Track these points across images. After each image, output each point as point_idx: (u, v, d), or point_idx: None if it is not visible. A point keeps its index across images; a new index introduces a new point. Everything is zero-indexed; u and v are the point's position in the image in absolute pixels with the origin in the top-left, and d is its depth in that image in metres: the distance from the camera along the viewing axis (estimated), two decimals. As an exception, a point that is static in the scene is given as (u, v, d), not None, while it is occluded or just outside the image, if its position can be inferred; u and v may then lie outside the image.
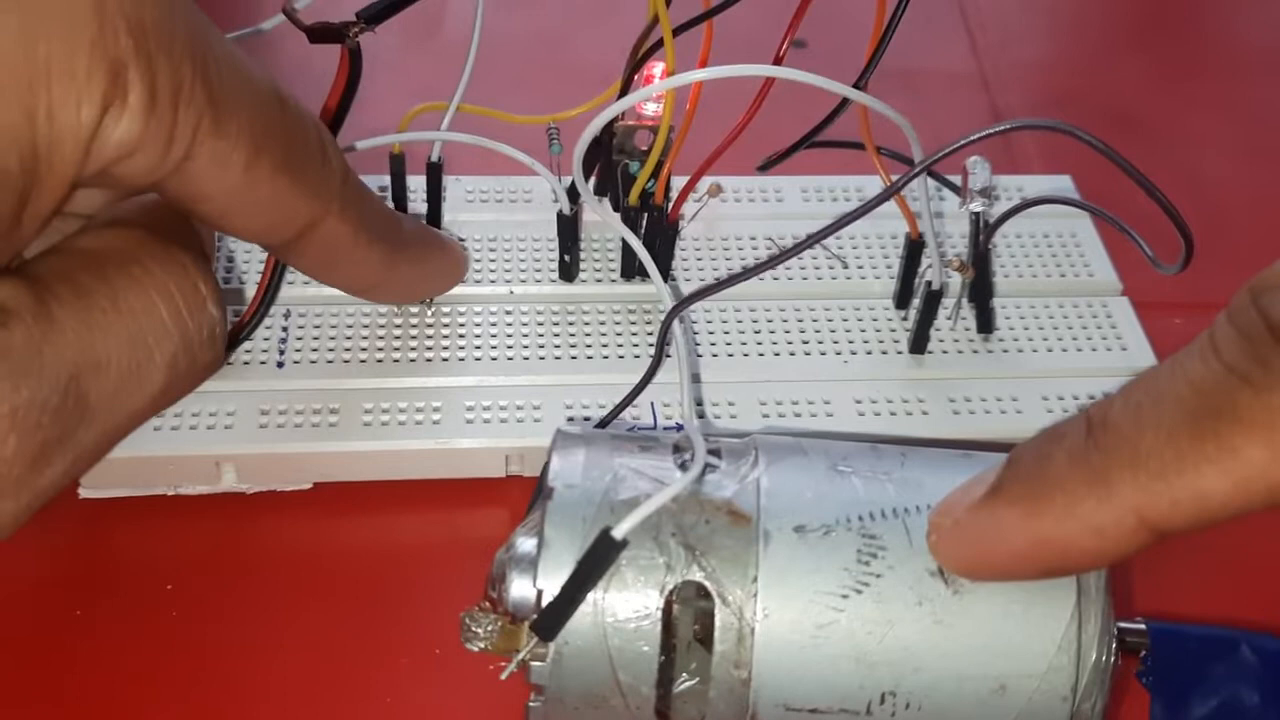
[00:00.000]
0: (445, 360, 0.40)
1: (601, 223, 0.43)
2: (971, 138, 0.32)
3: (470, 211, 0.44)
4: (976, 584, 0.29)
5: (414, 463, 0.38)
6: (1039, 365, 0.41)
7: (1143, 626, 0.31)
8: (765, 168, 0.42)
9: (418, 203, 0.43)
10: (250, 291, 0.40)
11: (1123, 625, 0.30)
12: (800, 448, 0.31)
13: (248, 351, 0.39)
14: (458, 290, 0.41)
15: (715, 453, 0.31)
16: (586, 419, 0.38)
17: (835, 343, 0.41)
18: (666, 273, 0.42)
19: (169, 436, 0.37)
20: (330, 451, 0.38)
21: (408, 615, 0.36)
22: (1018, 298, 0.43)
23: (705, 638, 0.29)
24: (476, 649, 0.29)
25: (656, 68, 0.39)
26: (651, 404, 0.39)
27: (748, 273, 0.34)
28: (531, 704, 0.30)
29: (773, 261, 0.33)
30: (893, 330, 0.42)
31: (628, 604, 0.28)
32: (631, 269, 0.42)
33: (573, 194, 0.41)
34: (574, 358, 0.40)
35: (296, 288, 0.41)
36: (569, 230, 0.41)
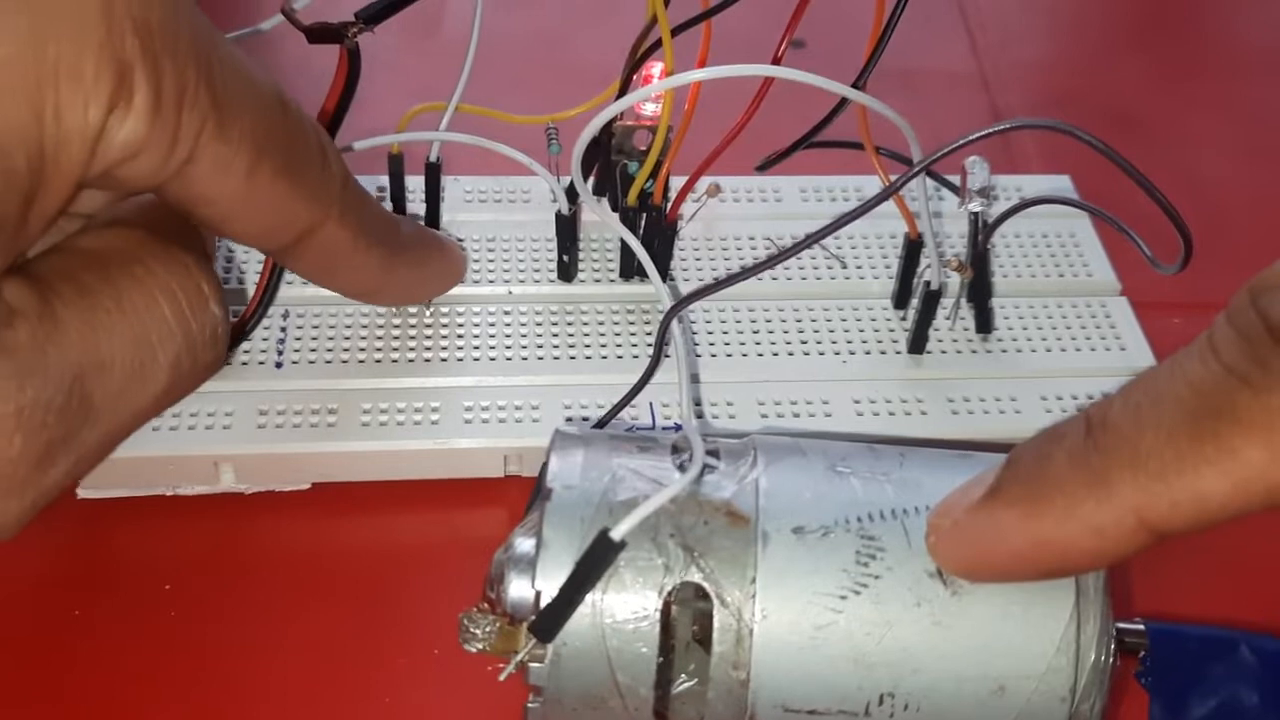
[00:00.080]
0: (444, 360, 0.40)
1: (600, 223, 0.43)
2: (970, 137, 0.32)
3: (469, 211, 0.44)
4: (975, 585, 0.29)
5: (412, 463, 0.38)
6: (1038, 365, 0.41)
7: (1141, 627, 0.31)
8: (764, 168, 0.42)
9: (416, 203, 0.43)
10: (249, 291, 0.40)
11: (1121, 626, 0.30)
12: (799, 448, 0.31)
13: (246, 352, 0.39)
14: (456, 290, 0.41)
15: (714, 453, 0.31)
16: (585, 419, 0.38)
17: (834, 343, 0.41)
18: (665, 273, 0.42)
19: (168, 437, 0.37)
20: (329, 452, 0.38)
21: (406, 615, 0.36)
22: (1016, 298, 0.43)
23: (704, 639, 0.29)
24: (475, 650, 0.29)
25: (655, 68, 0.39)
26: (650, 404, 0.38)
27: (746, 272, 0.34)
28: (530, 705, 0.29)
29: (771, 261, 0.33)
30: (891, 330, 0.42)
31: (626, 605, 0.28)
32: (630, 269, 0.42)
33: (571, 194, 0.40)
34: (572, 358, 0.40)
35: (295, 288, 0.41)
36: (567, 230, 0.41)
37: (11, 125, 0.24)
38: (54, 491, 0.28)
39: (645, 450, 0.31)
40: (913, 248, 0.41)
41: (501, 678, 0.29)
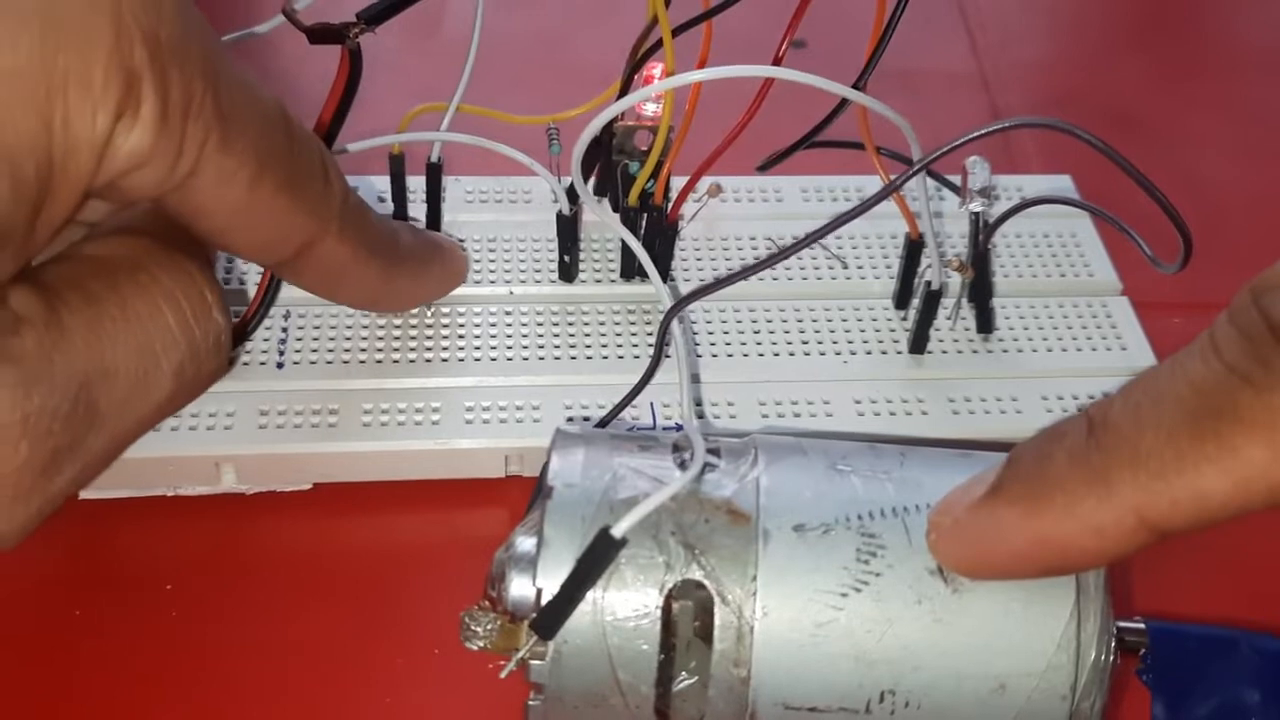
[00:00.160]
0: (445, 361, 0.40)
1: (601, 223, 0.43)
2: (970, 136, 0.32)
3: (470, 212, 0.44)
4: (976, 583, 0.29)
5: (414, 463, 0.38)
6: (1039, 365, 0.41)
7: (1142, 626, 0.31)
8: (765, 168, 0.42)
9: (417, 203, 0.43)
10: (250, 292, 0.40)
11: (1122, 624, 0.30)
12: (800, 447, 0.31)
13: (247, 352, 0.39)
14: (458, 291, 0.41)
15: (714, 452, 0.31)
16: (586, 419, 0.38)
17: (835, 343, 0.41)
18: (666, 273, 0.42)
19: (169, 437, 0.37)
20: (330, 452, 0.38)
21: (407, 615, 0.36)
22: (1017, 298, 0.43)
23: (705, 636, 0.29)
24: (476, 648, 0.29)
25: (656, 68, 0.39)
26: (651, 404, 0.39)
27: (745, 271, 0.34)
28: (531, 702, 0.30)
29: (770, 261, 0.33)
30: (892, 330, 0.42)
31: (627, 603, 0.28)
32: (631, 269, 0.42)
33: (572, 194, 0.41)
34: (573, 358, 0.40)
35: (296, 289, 0.40)
36: (568, 231, 0.41)
37: (21, 134, 0.24)
38: (59, 499, 0.28)
39: (646, 449, 0.31)
40: (914, 248, 0.41)
41: (503, 675, 0.29)
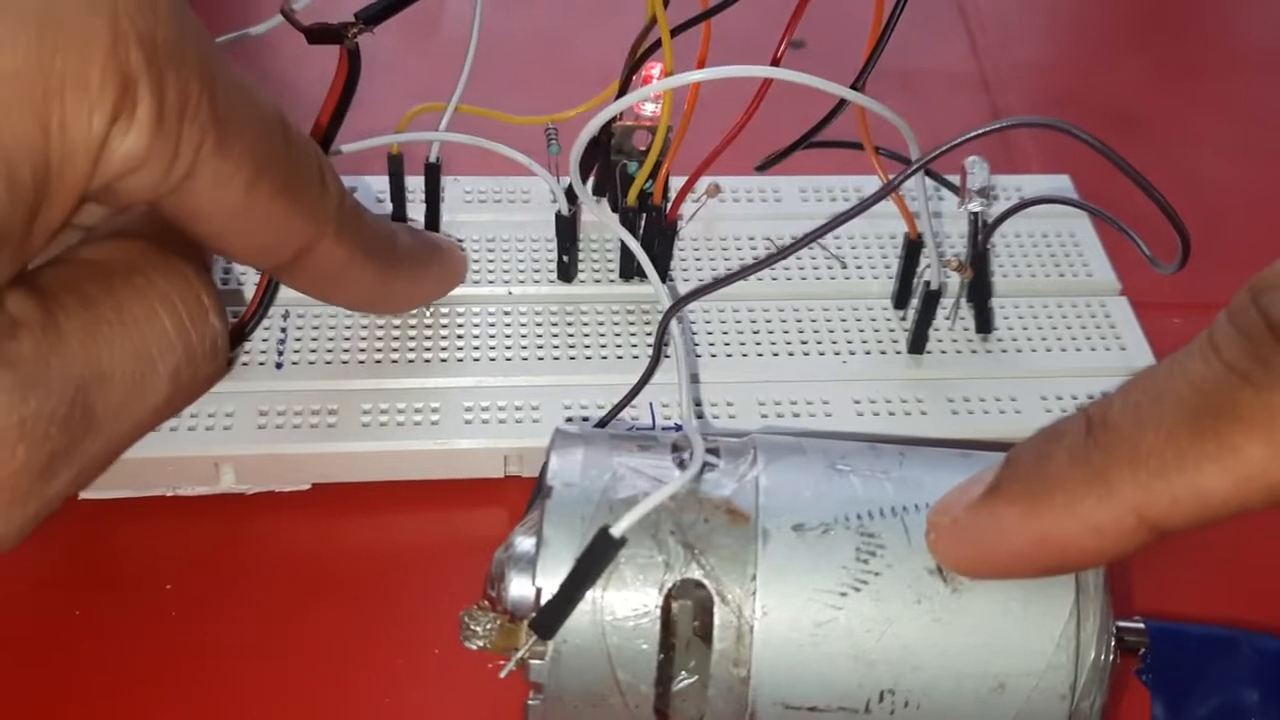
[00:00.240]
0: (444, 361, 0.40)
1: (600, 223, 0.43)
2: (969, 135, 0.32)
3: (468, 212, 0.44)
4: (975, 582, 0.29)
5: (413, 463, 0.38)
6: (1038, 365, 0.41)
7: (1141, 625, 0.31)
8: (764, 168, 0.42)
9: (416, 203, 0.43)
10: (249, 292, 0.40)
11: (1122, 624, 0.30)
12: (799, 447, 0.31)
13: (246, 353, 0.39)
14: (456, 291, 0.41)
15: (714, 451, 0.31)
16: (585, 419, 0.38)
17: (834, 343, 0.41)
18: (665, 273, 0.42)
19: (168, 437, 0.37)
20: (329, 452, 0.38)
21: (406, 615, 0.36)
22: (1016, 298, 0.43)
23: (704, 636, 0.29)
24: (475, 647, 0.29)
25: (655, 68, 0.39)
26: (650, 404, 0.39)
27: (744, 271, 0.34)
28: (530, 702, 0.30)
29: (769, 260, 0.33)
30: (891, 330, 0.42)
31: (626, 602, 0.28)
32: (630, 269, 0.42)
33: (571, 194, 0.41)
34: (572, 358, 0.40)
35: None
36: (567, 231, 0.41)
37: (18, 137, 0.24)
38: (56, 502, 0.28)
39: (645, 449, 0.31)
40: (913, 248, 0.41)
41: (502, 675, 0.29)
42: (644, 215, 0.41)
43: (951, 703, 0.29)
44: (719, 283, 0.34)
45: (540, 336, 0.40)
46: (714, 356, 0.40)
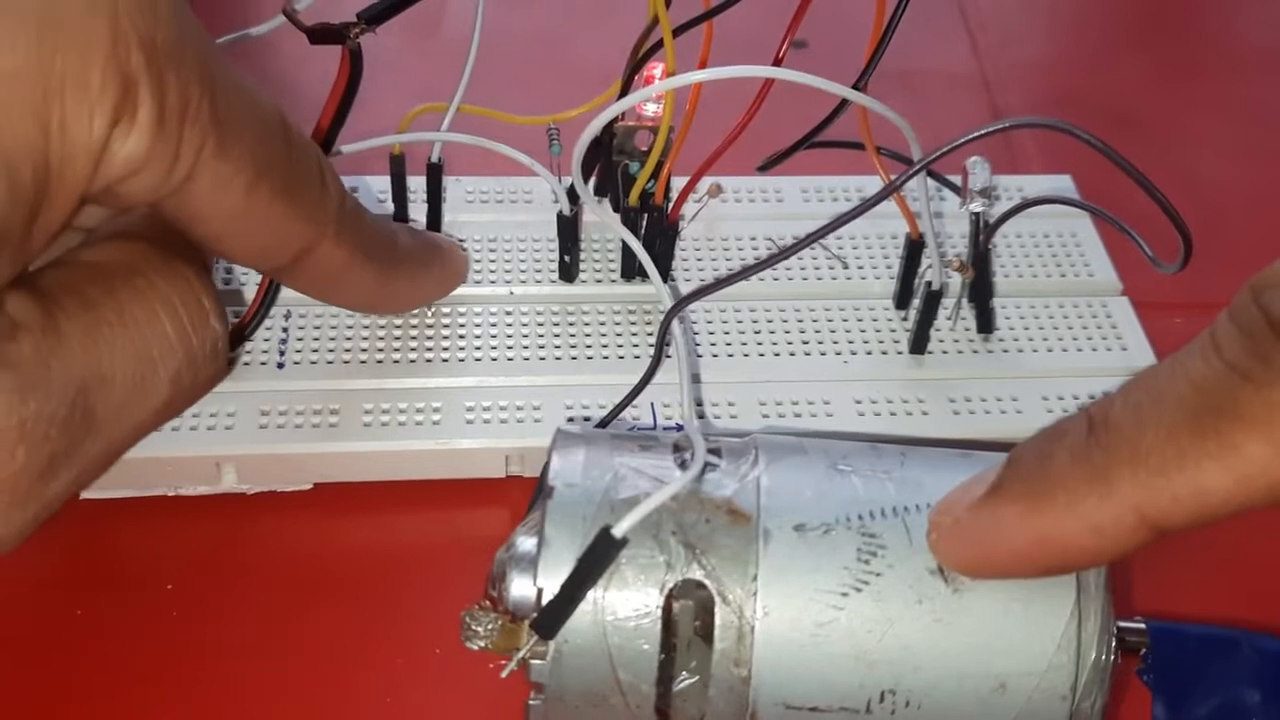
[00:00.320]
0: (445, 361, 0.40)
1: (601, 223, 0.43)
2: (970, 136, 0.32)
3: (470, 212, 0.44)
4: (976, 582, 0.29)
5: (414, 463, 0.38)
6: (1039, 365, 0.41)
7: (1142, 626, 0.31)
8: (765, 168, 0.42)
9: (418, 203, 0.43)
10: (250, 292, 0.40)
11: (1122, 624, 0.30)
12: (800, 447, 0.31)
13: (248, 352, 0.39)
14: (458, 291, 0.41)
15: (715, 452, 0.31)
16: (586, 419, 0.38)
17: (835, 343, 0.41)
18: (666, 273, 0.42)
19: (169, 437, 0.37)
20: (330, 452, 0.38)
21: (407, 615, 0.36)
22: (1018, 298, 0.43)
23: (705, 636, 0.29)
24: (477, 647, 0.29)
25: (656, 68, 0.39)
26: (651, 404, 0.39)
27: (745, 271, 0.34)
28: (532, 702, 0.30)
29: (770, 261, 0.33)
30: (893, 330, 0.42)
31: (628, 602, 0.28)
32: (631, 269, 0.42)
33: (573, 195, 0.41)
34: (574, 358, 0.40)
35: (297, 289, 0.41)
36: (569, 231, 0.41)
37: (18, 137, 0.24)
38: (56, 504, 0.28)
39: (647, 449, 0.31)
40: (914, 248, 0.41)
41: (503, 675, 0.29)
42: (646, 215, 0.41)
43: (953, 703, 0.29)
44: (720, 283, 0.34)
45: (542, 336, 0.40)
46: (715, 357, 0.40)
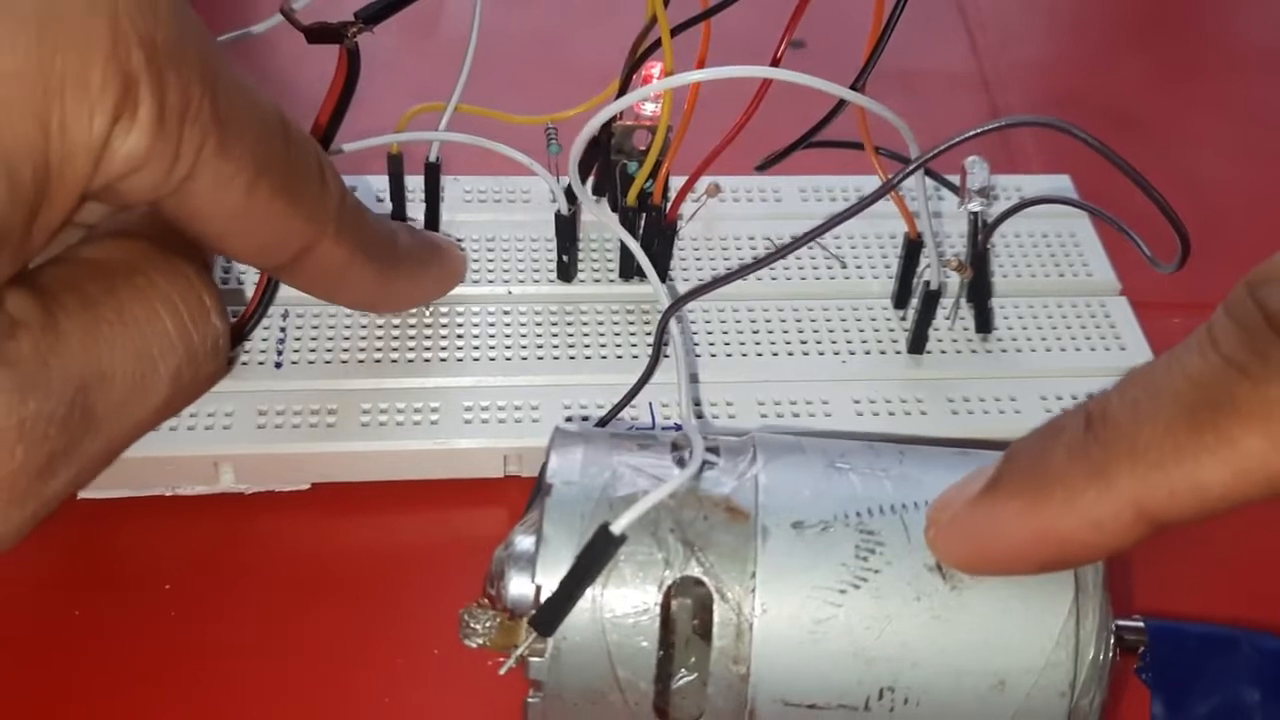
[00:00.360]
0: (443, 361, 0.40)
1: (599, 223, 0.43)
2: (968, 134, 0.32)
3: (468, 212, 0.44)
4: (974, 579, 0.29)
5: (412, 463, 0.38)
6: (1037, 365, 0.41)
7: (1141, 624, 0.31)
8: (764, 167, 0.42)
9: (416, 203, 0.43)
10: (250, 291, 0.40)
11: (1121, 623, 0.30)
12: (798, 445, 0.31)
13: (246, 352, 0.39)
14: (456, 290, 0.41)
15: (714, 450, 0.31)
16: (585, 419, 0.38)
17: (834, 343, 0.41)
18: (665, 273, 0.42)
19: (167, 437, 0.37)
20: (328, 452, 0.38)
21: (406, 615, 0.36)
22: (1016, 297, 0.43)
23: (704, 633, 0.29)
24: (475, 645, 0.29)
25: (655, 67, 0.39)
26: (650, 404, 0.38)
27: (743, 270, 0.34)
28: (530, 700, 0.29)
29: (768, 259, 0.33)
30: (891, 330, 0.42)
31: (626, 600, 0.28)
32: (630, 269, 0.42)
33: (570, 194, 0.41)
34: (572, 358, 0.40)
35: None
36: (567, 230, 0.41)
37: (18, 136, 0.24)
38: (55, 502, 0.28)
39: (645, 448, 0.31)
40: (912, 247, 0.41)
41: (502, 672, 0.29)
42: (644, 215, 0.41)
43: (951, 700, 0.29)
44: (718, 282, 0.34)
45: (540, 336, 0.40)
46: (713, 356, 0.40)
